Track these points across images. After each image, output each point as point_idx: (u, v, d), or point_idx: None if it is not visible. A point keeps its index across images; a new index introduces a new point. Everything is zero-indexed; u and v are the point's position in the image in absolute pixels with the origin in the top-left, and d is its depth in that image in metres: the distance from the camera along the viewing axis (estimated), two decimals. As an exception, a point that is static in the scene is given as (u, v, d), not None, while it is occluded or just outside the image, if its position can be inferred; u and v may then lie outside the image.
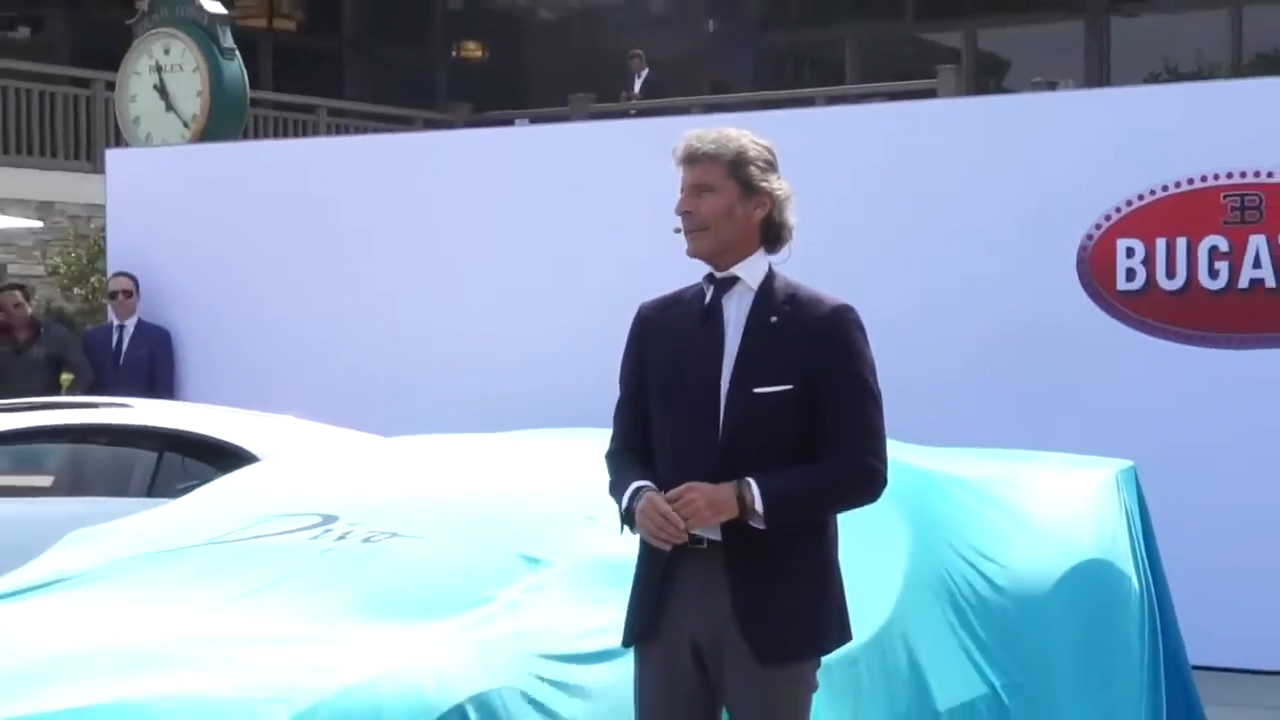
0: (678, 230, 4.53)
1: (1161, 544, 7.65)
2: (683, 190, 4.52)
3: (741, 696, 4.44)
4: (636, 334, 4.64)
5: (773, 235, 4.58)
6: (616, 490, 4.55)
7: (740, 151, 4.51)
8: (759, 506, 4.32)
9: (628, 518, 4.48)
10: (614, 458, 4.64)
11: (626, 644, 4.61)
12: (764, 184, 4.54)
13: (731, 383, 4.44)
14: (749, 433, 4.42)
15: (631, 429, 4.62)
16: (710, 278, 4.55)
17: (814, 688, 4.56)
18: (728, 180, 4.49)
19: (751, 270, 4.54)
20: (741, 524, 4.41)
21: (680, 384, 4.48)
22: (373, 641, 5.00)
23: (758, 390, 4.41)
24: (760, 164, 4.54)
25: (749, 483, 4.34)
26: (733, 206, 4.49)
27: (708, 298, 4.53)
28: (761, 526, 4.36)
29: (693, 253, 4.53)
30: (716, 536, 4.43)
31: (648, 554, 4.51)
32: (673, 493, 4.36)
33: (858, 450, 4.47)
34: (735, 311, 4.51)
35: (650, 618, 4.52)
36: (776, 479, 4.36)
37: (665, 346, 4.54)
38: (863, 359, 4.52)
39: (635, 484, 4.47)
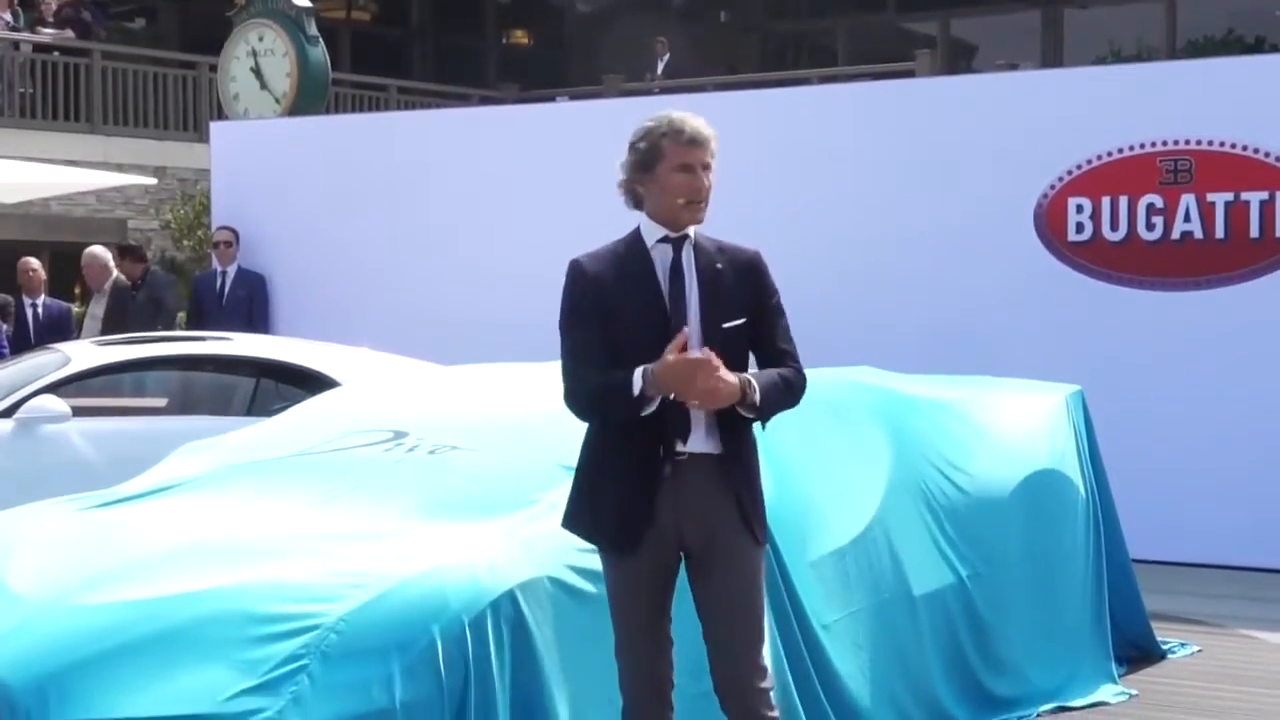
0: (682, 202, 4.48)
1: (1104, 456, 7.65)
2: (690, 167, 4.48)
3: (734, 580, 4.47)
4: (584, 285, 4.50)
5: None
6: (612, 387, 4.37)
7: (715, 135, 4.57)
8: (756, 398, 4.39)
9: (641, 399, 4.33)
10: (583, 381, 4.46)
11: (614, 548, 4.49)
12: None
13: (704, 322, 4.47)
14: (724, 362, 4.40)
15: (596, 363, 4.44)
16: (666, 239, 4.51)
17: None
18: (712, 161, 4.56)
19: (690, 230, 4.58)
20: (734, 439, 4.49)
21: (657, 335, 4.40)
22: (436, 537, 5.01)
23: (725, 325, 4.48)
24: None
25: (750, 379, 4.40)
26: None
27: (668, 256, 4.51)
28: (750, 415, 4.44)
29: (694, 222, 4.52)
30: (711, 450, 4.47)
31: (629, 467, 4.44)
32: (701, 353, 4.33)
33: (794, 360, 4.58)
34: (688, 264, 4.53)
35: (643, 521, 4.43)
36: (764, 378, 4.46)
37: (632, 301, 4.47)
38: (777, 291, 4.62)
39: (641, 367, 4.34)
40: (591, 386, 4.45)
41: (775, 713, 4.50)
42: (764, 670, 4.50)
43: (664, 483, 4.45)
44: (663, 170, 4.49)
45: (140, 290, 13.32)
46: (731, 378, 4.36)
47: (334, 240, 12.94)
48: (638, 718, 4.55)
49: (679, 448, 4.45)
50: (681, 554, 4.52)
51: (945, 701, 6.33)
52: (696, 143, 4.50)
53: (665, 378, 4.31)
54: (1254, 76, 9.99)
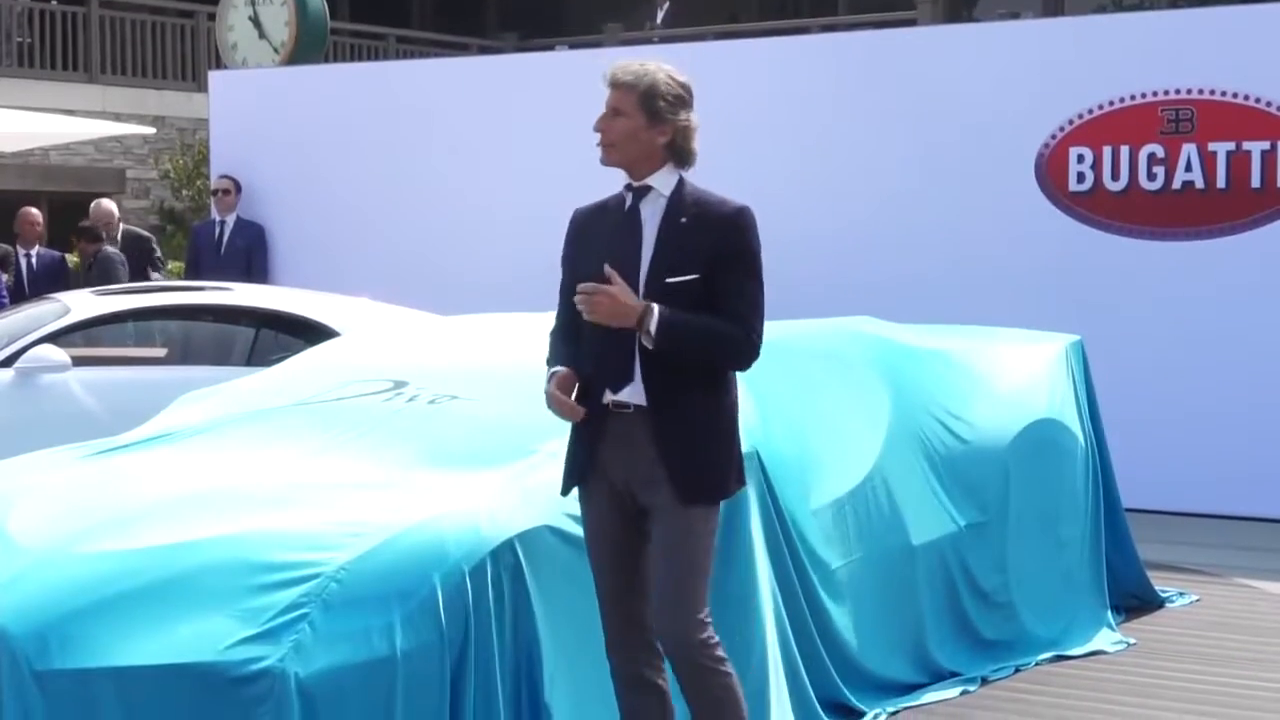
0: (598, 143, 4.53)
1: (1103, 406, 7.66)
2: (605, 109, 4.53)
3: (664, 531, 4.45)
4: (570, 234, 4.66)
5: (679, 157, 4.55)
6: (547, 368, 4.59)
7: (652, 85, 4.49)
8: (653, 327, 4.32)
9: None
10: (552, 336, 4.66)
11: (564, 494, 4.63)
12: (670, 116, 4.50)
13: (648, 274, 4.44)
14: None
15: (565, 312, 4.60)
16: (629, 187, 4.55)
17: (714, 531, 4.55)
18: (637, 109, 4.48)
19: (663, 181, 4.52)
20: (664, 394, 4.43)
21: (597, 280, 4.44)
22: (436, 486, 5.02)
23: (670, 280, 4.42)
24: (669, 98, 4.50)
25: (653, 307, 4.35)
26: (637, 131, 4.48)
27: (627, 204, 4.54)
28: (649, 345, 4.37)
29: (603, 163, 4.55)
30: (642, 402, 4.44)
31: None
32: (586, 286, 4.35)
33: (745, 322, 4.45)
34: (650, 215, 4.51)
35: (583, 471, 4.54)
36: (678, 313, 4.38)
37: (593, 246, 4.55)
38: (753, 252, 4.49)
39: (552, 369, 4.52)
40: (549, 344, 4.67)
41: (716, 663, 4.43)
42: (695, 622, 4.41)
43: (606, 432, 4.48)
44: None
45: (93, 268, 13.27)
46: (629, 299, 4.34)
47: (333, 190, 12.91)
48: (613, 656, 4.59)
49: (609, 397, 4.46)
50: (635, 503, 4.52)
51: (943, 650, 6.35)
52: (610, 85, 4.52)
53: (547, 402, 4.45)
54: (1256, 26, 9.94)
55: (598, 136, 4.52)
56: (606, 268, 4.37)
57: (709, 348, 4.43)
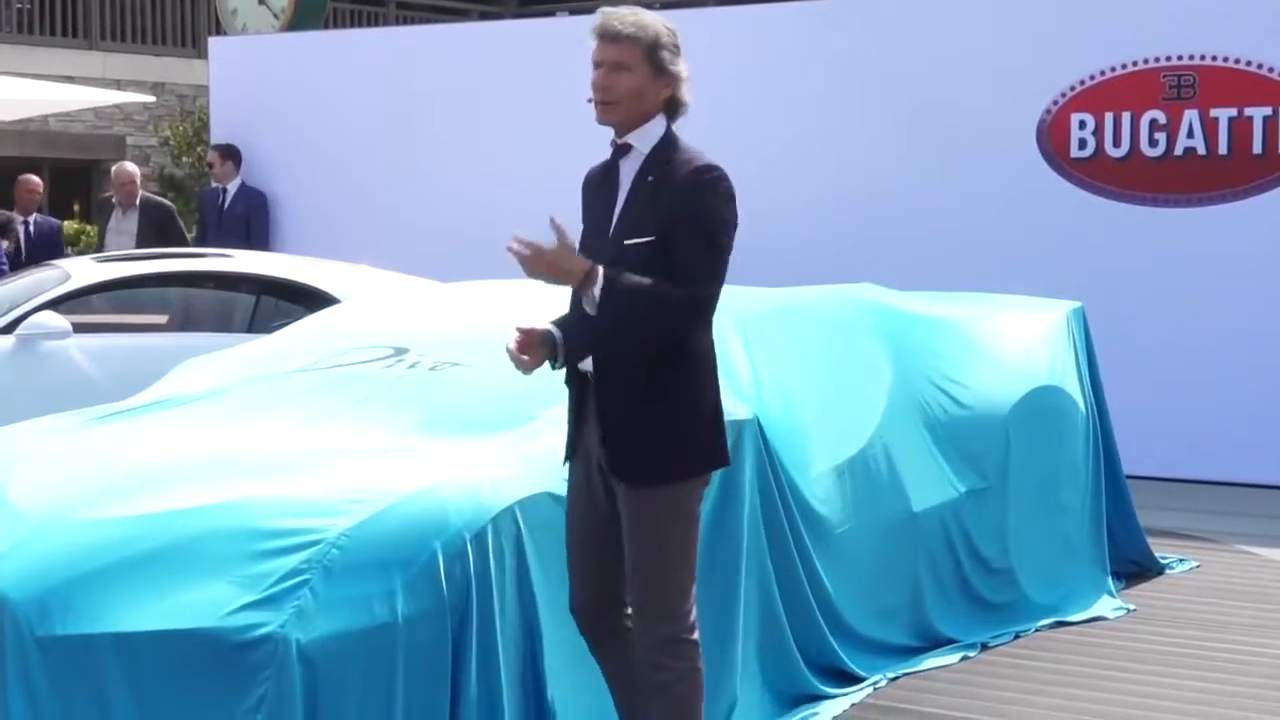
0: (590, 100, 4.31)
1: (1104, 373, 7.66)
2: (599, 64, 4.29)
3: (624, 514, 4.31)
4: (583, 196, 4.51)
5: (673, 109, 4.33)
6: None
7: (656, 36, 4.27)
8: (597, 290, 4.08)
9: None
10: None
11: (564, 462, 4.50)
12: (672, 68, 4.30)
13: (612, 236, 4.27)
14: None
15: None
16: (613, 143, 4.37)
17: (690, 515, 4.29)
18: (642, 63, 4.26)
19: (644, 137, 4.30)
20: (608, 365, 4.25)
21: (588, 240, 4.37)
22: (437, 453, 5.02)
23: (626, 242, 4.22)
24: (670, 48, 4.29)
25: (598, 270, 4.10)
26: (644, 87, 4.27)
27: (610, 163, 4.39)
28: (592, 311, 4.13)
29: (601, 121, 4.32)
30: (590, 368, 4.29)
31: (568, 383, 4.41)
32: (517, 245, 4.10)
33: (693, 284, 4.16)
34: (627, 173, 4.33)
35: (570, 441, 4.42)
36: (625, 274, 4.12)
37: (589, 207, 4.44)
38: (711, 213, 4.19)
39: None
40: None
41: (677, 661, 4.25)
42: (662, 615, 4.22)
43: (584, 404, 4.34)
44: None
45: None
46: (573, 260, 4.07)
47: (332, 156, 12.90)
48: (580, 631, 4.53)
49: (584, 365, 4.29)
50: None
51: (943, 616, 6.36)
52: (602, 36, 4.29)
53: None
54: (1259, -9, 9.92)
55: (594, 94, 4.29)
56: (552, 219, 4.10)
57: (650, 315, 4.14)
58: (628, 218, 4.27)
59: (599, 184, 4.44)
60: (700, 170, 4.22)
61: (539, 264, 4.11)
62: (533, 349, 4.26)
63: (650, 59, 4.27)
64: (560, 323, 4.35)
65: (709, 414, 4.31)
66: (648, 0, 22.53)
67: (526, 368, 4.26)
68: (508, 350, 4.26)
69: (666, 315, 4.16)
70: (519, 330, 4.28)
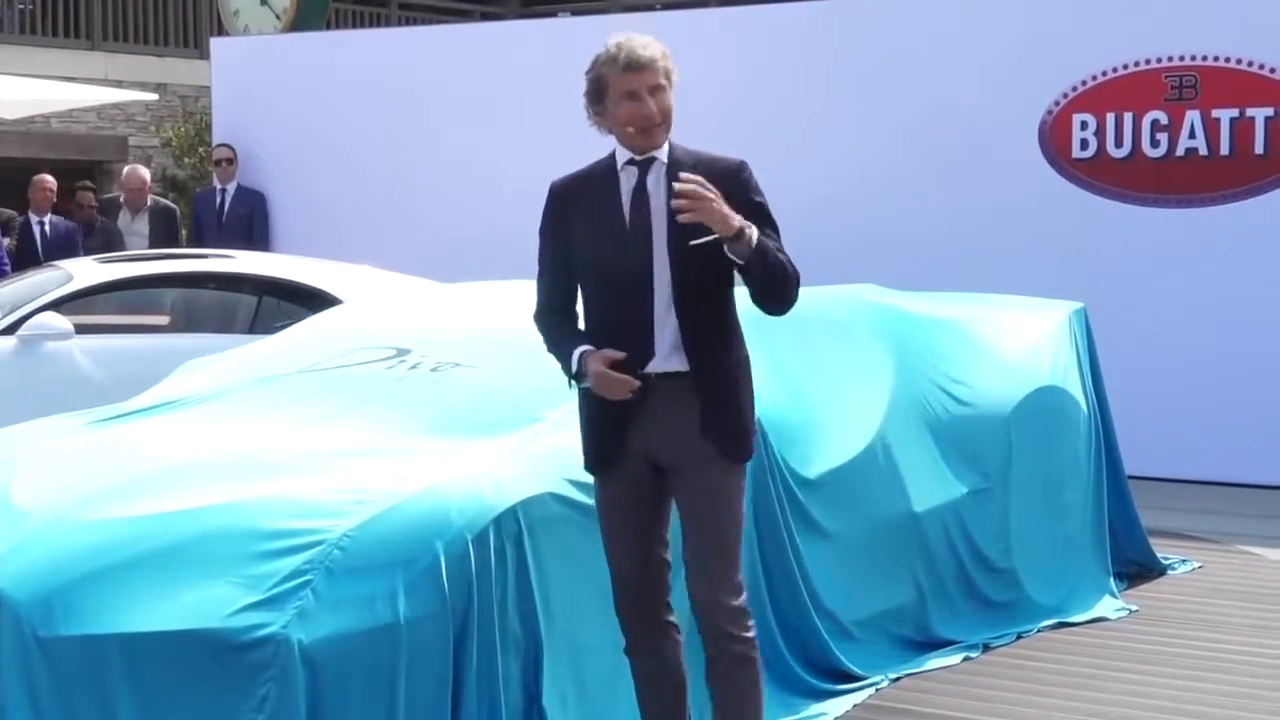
0: (641, 128, 4.40)
1: (1106, 373, 7.66)
2: (634, 94, 4.39)
3: (709, 494, 4.42)
4: (557, 209, 4.56)
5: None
6: (557, 349, 4.51)
7: (664, 53, 4.45)
8: (754, 238, 4.25)
9: (576, 376, 4.44)
10: (542, 317, 4.59)
11: (589, 469, 4.57)
12: (674, 78, 4.48)
13: (671, 243, 4.37)
14: (691, 280, 4.38)
15: (555, 290, 4.56)
16: (632, 161, 4.46)
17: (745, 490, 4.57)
18: (665, 79, 4.43)
19: (663, 150, 4.47)
20: (705, 356, 4.41)
21: (617, 256, 4.42)
22: (439, 454, 5.02)
23: (692, 243, 4.31)
24: (669, 61, 4.48)
25: (749, 225, 4.27)
26: (670, 108, 4.45)
27: (633, 179, 4.46)
28: (740, 260, 4.28)
29: (647, 148, 4.43)
30: (685, 368, 4.40)
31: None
32: (687, 187, 4.21)
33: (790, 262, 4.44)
34: (655, 184, 4.44)
35: (617, 443, 4.47)
36: (767, 242, 4.32)
37: (593, 222, 4.47)
38: (764, 201, 4.46)
39: (579, 349, 4.43)
40: (543, 330, 4.59)
41: (748, 632, 4.45)
42: (735, 588, 4.43)
43: (634, 405, 4.40)
44: (611, 100, 4.44)
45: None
46: (730, 213, 4.22)
47: (334, 157, 12.90)
48: (624, 630, 4.59)
49: (655, 368, 4.40)
50: (659, 473, 4.48)
51: (945, 617, 6.36)
52: (634, 68, 4.39)
53: (598, 384, 4.37)
54: (1261, -8, 9.92)
55: (637, 123, 4.39)
56: (684, 175, 4.24)
57: (781, 274, 4.36)
58: (679, 222, 4.30)
59: (597, 194, 4.49)
60: (740, 165, 4.47)
61: (709, 208, 4.21)
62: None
63: (667, 75, 4.45)
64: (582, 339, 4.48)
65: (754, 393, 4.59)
66: (649, 2, 22.47)
67: (629, 390, 4.37)
68: (600, 375, 4.38)
69: (792, 282, 4.41)
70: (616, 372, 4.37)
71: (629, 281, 4.41)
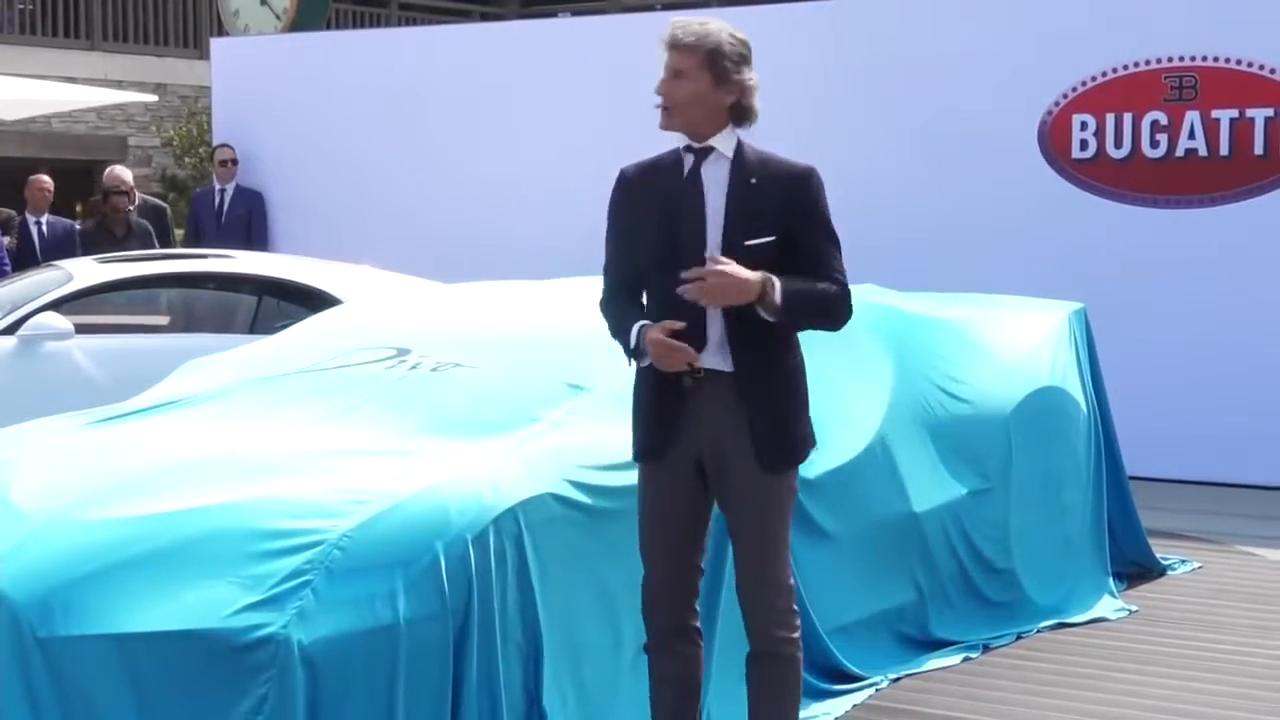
0: (658, 106, 4.45)
1: (1106, 374, 7.66)
2: (665, 71, 4.43)
3: (745, 498, 4.42)
4: (623, 196, 4.55)
5: (740, 116, 4.50)
6: (620, 330, 4.49)
7: (716, 46, 4.41)
8: (778, 298, 4.26)
9: (636, 353, 4.43)
10: (608, 304, 4.58)
11: (638, 459, 4.56)
12: (736, 76, 4.45)
13: (724, 237, 4.37)
14: None
15: (623, 278, 4.54)
16: (689, 148, 4.47)
17: (795, 490, 4.55)
18: (701, 70, 4.40)
19: (725, 142, 4.46)
20: (751, 357, 4.39)
21: (675, 242, 4.41)
22: (439, 454, 5.02)
23: (748, 243, 4.34)
24: (734, 58, 4.45)
25: (772, 279, 4.28)
26: (703, 94, 4.41)
27: (687, 166, 4.46)
28: (771, 318, 4.31)
29: (663, 127, 4.46)
30: (729, 369, 4.39)
31: (659, 382, 4.43)
32: (692, 272, 4.26)
33: (840, 281, 4.44)
34: (714, 176, 4.43)
35: (667, 435, 4.46)
36: (792, 280, 4.32)
37: (654, 208, 4.46)
38: (827, 210, 4.47)
39: (639, 323, 4.41)
40: (609, 316, 4.57)
41: (794, 633, 4.47)
42: (779, 590, 4.44)
43: (685, 399, 4.41)
44: None
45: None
46: (746, 274, 4.24)
47: (334, 158, 12.90)
48: (647, 628, 4.58)
49: (709, 366, 4.38)
50: (702, 473, 4.47)
51: (945, 617, 6.36)
52: (668, 46, 4.43)
53: (653, 352, 4.35)
54: (1260, -8, 9.92)
55: (656, 99, 4.42)
56: (709, 254, 4.29)
57: (822, 312, 4.41)
58: (738, 219, 4.37)
59: (660, 183, 4.47)
60: (812, 171, 4.50)
61: (718, 289, 4.26)
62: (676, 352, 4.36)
63: (711, 67, 4.41)
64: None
65: (808, 398, 4.59)
66: (650, 3, 22.48)
67: (688, 357, 4.35)
68: (658, 342, 4.34)
69: (836, 310, 4.45)
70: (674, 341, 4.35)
71: (681, 268, 4.35)
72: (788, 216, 4.39)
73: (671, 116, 4.42)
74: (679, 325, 4.33)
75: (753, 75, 4.49)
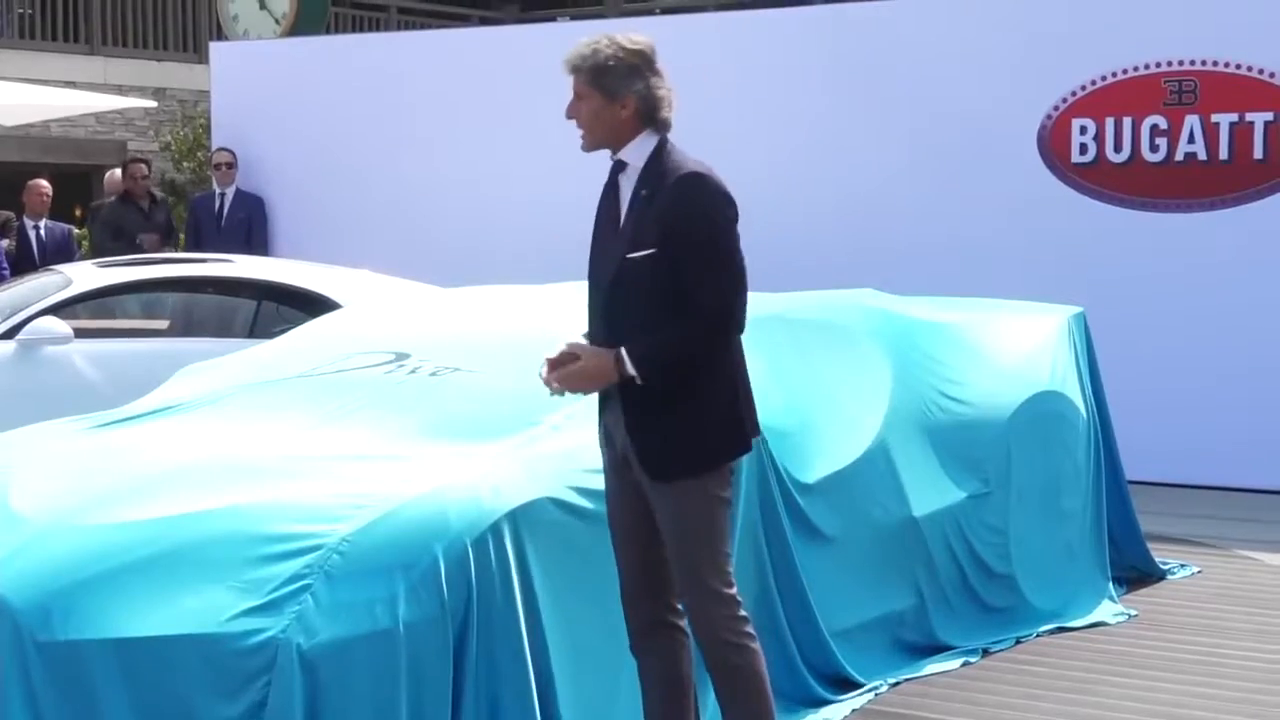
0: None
1: (1105, 378, 7.66)
2: None
3: (658, 505, 4.45)
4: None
5: (652, 125, 4.44)
6: None
7: (599, 63, 4.40)
8: (630, 371, 4.29)
9: None
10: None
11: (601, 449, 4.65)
12: (626, 89, 4.40)
13: (622, 251, 4.40)
14: (622, 295, 4.39)
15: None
16: (616, 161, 4.51)
17: (721, 500, 4.44)
18: (591, 89, 4.42)
19: (636, 152, 4.43)
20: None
21: (593, 257, 4.52)
22: (438, 458, 5.02)
23: (629, 256, 4.36)
24: (621, 71, 4.40)
25: (621, 354, 4.30)
26: (598, 110, 4.42)
27: (611, 178, 4.53)
28: (640, 381, 4.31)
29: (584, 149, 4.50)
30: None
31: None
32: (555, 359, 4.40)
33: (706, 311, 4.32)
34: (625, 189, 4.47)
35: (602, 436, 4.57)
36: (641, 344, 4.30)
37: (597, 224, 4.56)
38: (705, 218, 4.32)
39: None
40: None
41: (740, 639, 4.43)
42: (720, 597, 4.40)
43: (606, 402, 4.50)
44: None
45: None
46: (595, 363, 4.31)
47: (333, 162, 12.90)
48: (626, 626, 4.61)
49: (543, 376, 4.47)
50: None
51: (944, 622, 6.36)
52: (567, 71, 4.48)
53: None
54: (1260, -3, 9.93)
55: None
56: (564, 345, 4.39)
57: (689, 355, 4.33)
58: (629, 232, 4.40)
59: (605, 201, 4.55)
60: (683, 179, 4.35)
61: (572, 381, 4.36)
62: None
63: (597, 84, 4.42)
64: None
65: (725, 406, 4.44)
66: (648, 7, 22.52)
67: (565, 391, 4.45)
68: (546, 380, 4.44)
69: (699, 347, 4.34)
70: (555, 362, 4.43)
71: (591, 279, 4.52)
72: (665, 227, 4.32)
73: (584, 138, 4.48)
74: (559, 351, 4.41)
75: (653, 82, 4.42)
